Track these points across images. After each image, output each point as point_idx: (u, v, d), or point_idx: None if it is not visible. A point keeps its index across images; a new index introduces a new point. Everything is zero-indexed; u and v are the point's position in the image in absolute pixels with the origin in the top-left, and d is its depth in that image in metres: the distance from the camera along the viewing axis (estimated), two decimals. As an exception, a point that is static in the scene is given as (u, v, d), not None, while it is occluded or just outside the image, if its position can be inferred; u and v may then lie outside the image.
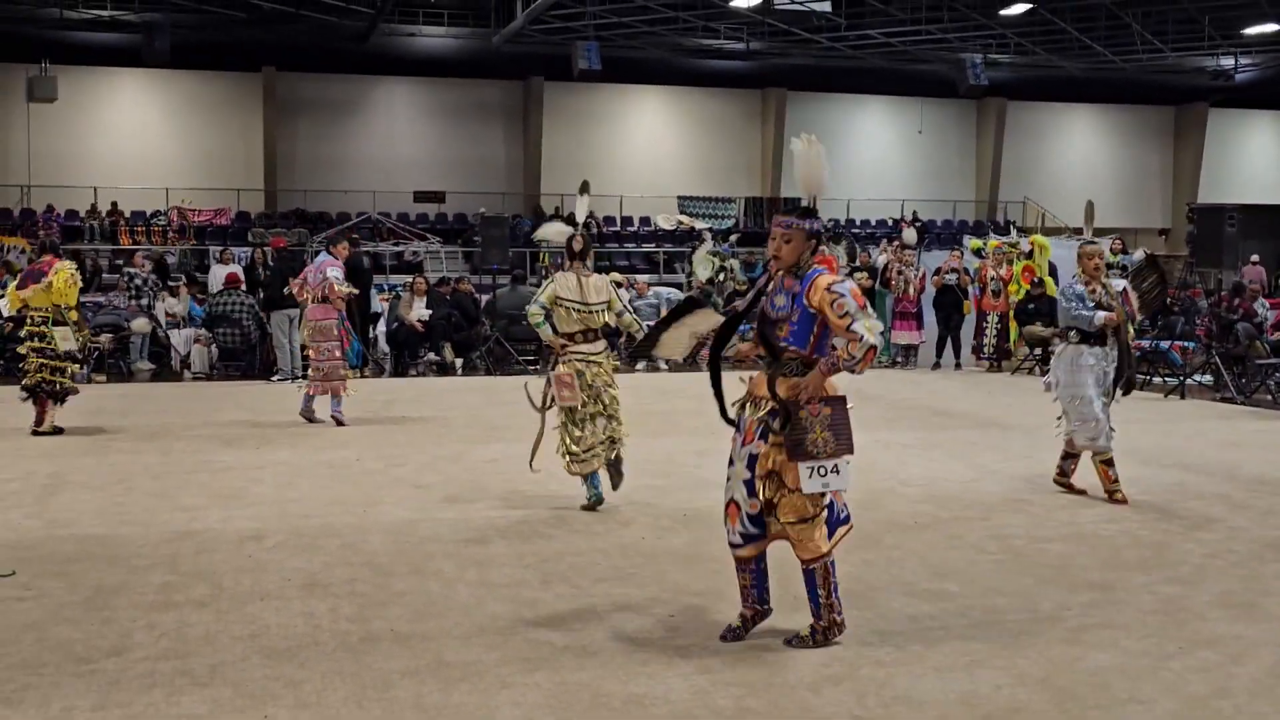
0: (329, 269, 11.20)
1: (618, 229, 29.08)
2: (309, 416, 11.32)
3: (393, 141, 29.31)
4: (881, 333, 4.66)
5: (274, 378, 15.32)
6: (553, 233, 7.84)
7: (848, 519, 4.94)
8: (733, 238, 21.57)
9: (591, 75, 25.40)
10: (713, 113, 31.33)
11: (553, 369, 7.43)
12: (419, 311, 16.73)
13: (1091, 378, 7.83)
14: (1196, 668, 4.67)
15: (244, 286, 17.10)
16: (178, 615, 5.27)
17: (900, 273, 17.45)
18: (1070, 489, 8.07)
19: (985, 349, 17.45)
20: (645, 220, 28.78)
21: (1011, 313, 17.21)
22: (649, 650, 4.82)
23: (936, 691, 4.39)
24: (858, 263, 18.57)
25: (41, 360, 10.53)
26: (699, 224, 23.18)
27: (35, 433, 10.49)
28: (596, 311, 7.38)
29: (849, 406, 4.79)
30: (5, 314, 12.28)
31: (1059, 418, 8.08)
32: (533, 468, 7.48)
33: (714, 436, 10.62)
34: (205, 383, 15.64)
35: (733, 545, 4.93)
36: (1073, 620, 5.27)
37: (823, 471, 4.69)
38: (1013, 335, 17.24)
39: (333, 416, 11.22)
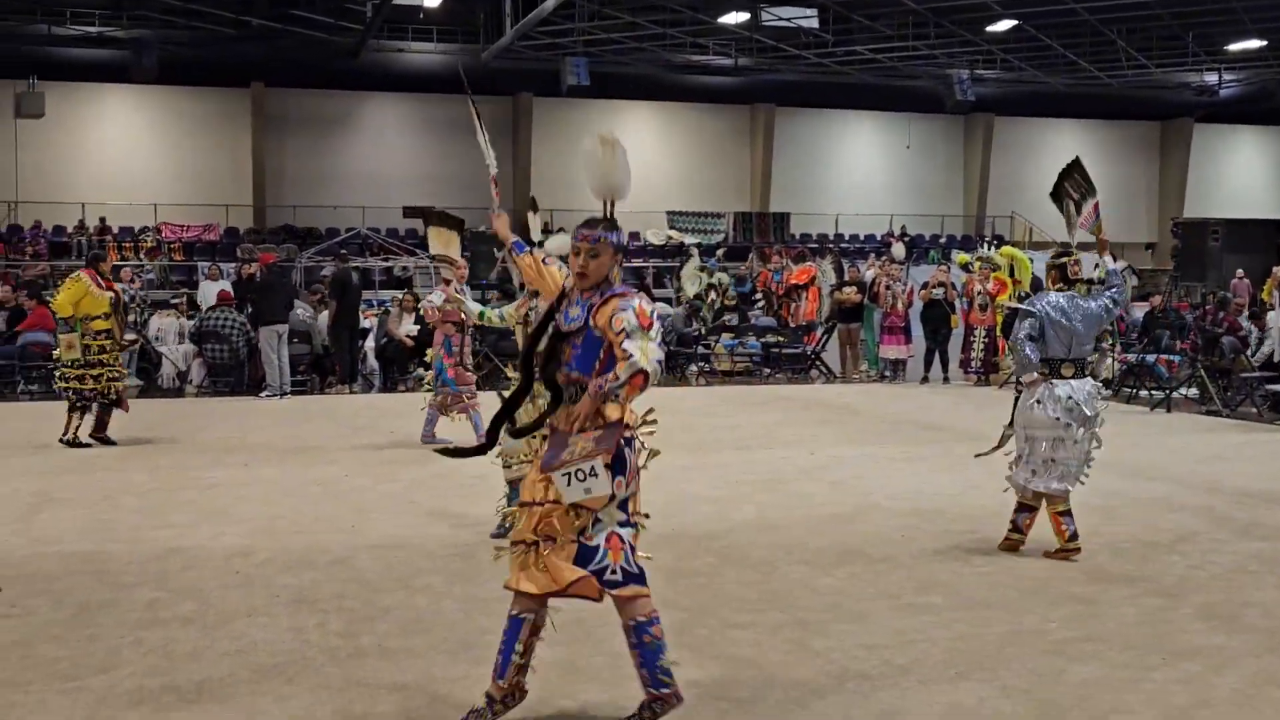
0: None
1: (606, 244, 29.12)
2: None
3: (382, 157, 29.35)
4: (659, 361, 3.93)
5: (263, 394, 15.31)
6: (556, 245, 7.96)
7: (625, 583, 4.09)
8: (719, 252, 21.57)
9: (580, 91, 25.52)
10: (701, 128, 31.45)
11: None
12: (408, 327, 16.72)
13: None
14: (1178, 679, 4.71)
15: (235, 303, 17.09)
16: (164, 632, 5.27)
17: (888, 287, 17.48)
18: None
19: (973, 363, 17.49)
20: (634, 235, 28.79)
21: (999, 327, 17.27)
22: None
23: (921, 704, 4.42)
24: (846, 277, 18.63)
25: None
26: (688, 239, 23.18)
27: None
28: None
29: (629, 433, 4.10)
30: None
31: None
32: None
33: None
34: (193, 399, 15.62)
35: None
36: (1056, 633, 5.30)
37: (580, 475, 3.98)
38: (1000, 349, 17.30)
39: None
